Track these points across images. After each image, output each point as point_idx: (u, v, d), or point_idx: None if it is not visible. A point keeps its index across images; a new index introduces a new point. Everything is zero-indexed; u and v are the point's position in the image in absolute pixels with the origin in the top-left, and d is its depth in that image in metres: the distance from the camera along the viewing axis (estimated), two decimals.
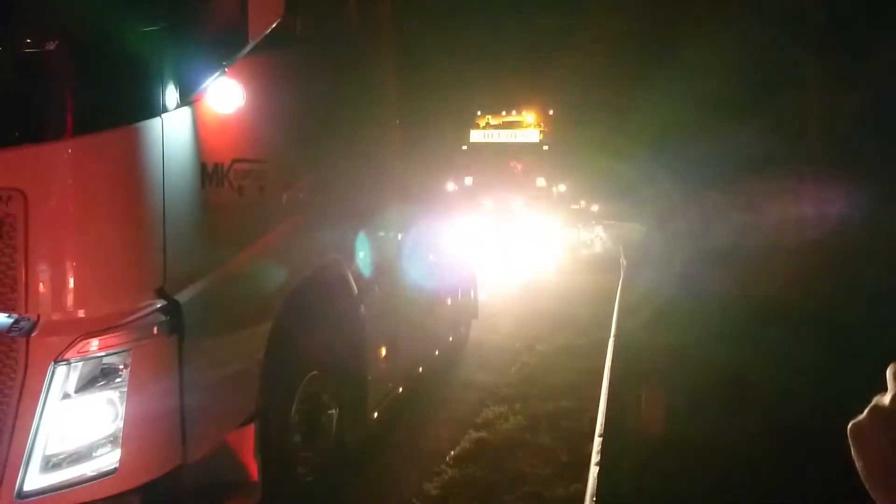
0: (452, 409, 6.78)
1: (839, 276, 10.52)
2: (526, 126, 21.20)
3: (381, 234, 5.73)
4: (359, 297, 4.96)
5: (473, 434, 6.06)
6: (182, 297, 3.29)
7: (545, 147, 20.72)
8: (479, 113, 20.69)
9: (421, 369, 6.88)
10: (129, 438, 3.09)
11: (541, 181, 20.53)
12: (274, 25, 3.59)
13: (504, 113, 21.33)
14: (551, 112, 22.09)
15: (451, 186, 17.27)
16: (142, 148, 3.18)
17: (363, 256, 5.27)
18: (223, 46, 3.47)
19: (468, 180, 19.14)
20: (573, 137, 28.74)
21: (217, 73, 3.43)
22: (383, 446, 5.61)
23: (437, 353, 7.59)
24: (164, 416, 3.25)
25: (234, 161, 3.69)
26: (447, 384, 7.61)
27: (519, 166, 20.65)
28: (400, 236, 6.34)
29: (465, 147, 19.22)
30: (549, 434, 6.10)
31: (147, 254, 3.24)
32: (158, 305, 3.21)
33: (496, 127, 21.09)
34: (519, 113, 21.38)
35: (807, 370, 6.88)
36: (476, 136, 20.22)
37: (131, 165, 3.16)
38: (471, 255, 9.60)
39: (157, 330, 3.17)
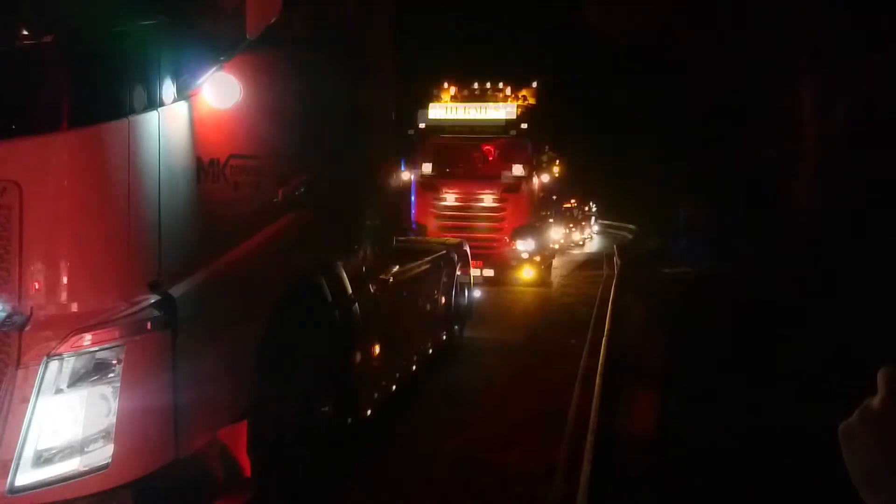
0: (446, 407, 6.78)
1: None
2: (501, 99, 16.77)
3: (377, 232, 5.72)
4: (353, 295, 4.96)
5: (466, 432, 6.07)
6: (176, 291, 3.28)
7: (524, 125, 16.17)
8: (445, 85, 16.99)
9: (415, 367, 6.88)
10: (121, 434, 3.08)
11: (518, 169, 16.04)
12: (272, 21, 3.60)
13: (477, 85, 17.07)
14: (535, 84, 17.63)
15: (406, 175, 16.23)
16: (138, 141, 3.16)
17: (357, 254, 5.26)
18: (221, 41, 3.47)
19: (426, 167, 16.33)
20: (563, 118, 24.37)
21: (215, 68, 3.42)
22: (376, 444, 5.61)
23: (430, 351, 7.59)
24: (157, 412, 3.24)
25: (231, 156, 3.69)
26: (441, 382, 7.60)
27: (492, 150, 16.41)
28: (396, 235, 6.35)
29: (422, 125, 16.35)
30: (542, 432, 6.10)
31: (142, 248, 3.23)
32: (152, 300, 3.20)
33: (464, 100, 16.78)
34: (494, 84, 17.04)
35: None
36: (436, 111, 16.56)
37: (127, 159, 3.15)
38: (465, 254, 9.59)
39: (151, 325, 3.16)
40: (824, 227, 12.75)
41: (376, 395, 5.61)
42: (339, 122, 4.98)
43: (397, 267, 6.34)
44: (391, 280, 5.91)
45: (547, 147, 18.26)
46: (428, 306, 7.67)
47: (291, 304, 4.11)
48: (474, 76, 17.47)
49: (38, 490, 2.94)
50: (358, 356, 5.13)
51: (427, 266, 7.50)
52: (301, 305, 4.24)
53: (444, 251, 8.48)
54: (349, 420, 5.04)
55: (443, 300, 8.20)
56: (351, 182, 5.22)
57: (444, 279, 8.39)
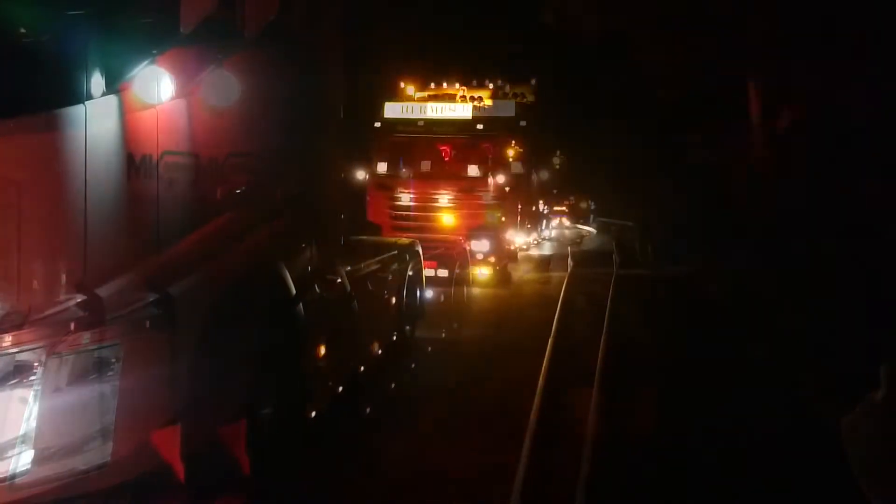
0: (400, 407, 6.69)
1: None
2: (458, 99, 16.55)
3: (323, 231, 5.64)
4: (297, 297, 4.78)
5: (423, 430, 5.98)
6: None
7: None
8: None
9: (363, 368, 6.77)
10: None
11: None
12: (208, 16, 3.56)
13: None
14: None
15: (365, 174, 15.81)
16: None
17: (302, 255, 5.11)
18: (155, 35, 3.40)
19: (381, 166, 15.96)
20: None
21: (147, 61, 3.34)
22: (321, 446, 5.48)
23: (380, 352, 7.49)
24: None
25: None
26: (389, 384, 7.51)
27: (448, 150, 16.17)
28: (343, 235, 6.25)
29: (377, 124, 15.98)
30: (486, 432, 5.84)
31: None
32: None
33: (421, 100, 16.58)
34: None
35: None
36: (392, 109, 16.24)
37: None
38: (417, 254, 9.52)
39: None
40: (776, 228, 13.18)
41: (322, 396, 5.44)
42: (284, 121, 4.86)
43: (348, 267, 6.22)
44: (338, 280, 5.83)
45: (518, 145, 18.29)
46: (379, 306, 7.56)
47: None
48: (447, 73, 17.43)
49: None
50: (302, 357, 4.97)
51: (378, 266, 7.41)
52: (242, 306, 4.18)
53: (396, 251, 8.42)
54: (293, 422, 4.95)
55: (393, 301, 8.09)
56: (297, 181, 5.14)
57: (396, 279, 8.22)
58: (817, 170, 11.63)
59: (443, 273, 14.96)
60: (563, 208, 42.09)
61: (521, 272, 18.96)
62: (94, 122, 3.12)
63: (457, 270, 8.75)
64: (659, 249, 21.54)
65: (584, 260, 20.98)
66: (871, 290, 8.65)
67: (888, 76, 9.88)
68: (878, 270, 8.85)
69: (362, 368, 6.63)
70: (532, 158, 18.99)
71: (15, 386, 2.94)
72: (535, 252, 23.86)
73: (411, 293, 8.97)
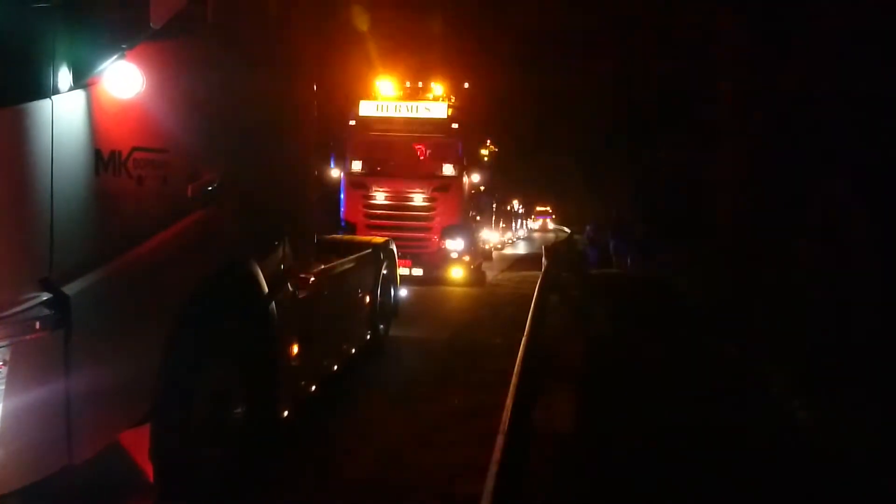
0: (366, 408, 6.68)
1: None
2: (433, 99, 16.71)
3: (297, 230, 5.60)
4: (269, 295, 4.83)
5: (387, 434, 5.99)
6: (71, 289, 3.12)
7: (455, 125, 16.12)
8: (376, 83, 16.89)
9: (336, 367, 6.77)
10: (7, 439, 2.91)
11: (448, 168, 16.08)
12: (179, 10, 3.47)
13: (408, 84, 17.08)
14: (466, 85, 18.15)
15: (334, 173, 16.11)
16: (28, 130, 2.99)
17: (276, 252, 5.14)
18: (124, 29, 3.31)
19: (357, 165, 16.23)
20: (497, 120, 24.90)
21: (116, 57, 3.26)
22: (295, 446, 5.48)
23: (353, 351, 7.47)
24: (48, 416, 3.07)
25: (134, 149, 3.53)
26: (363, 383, 7.49)
27: (423, 148, 16.33)
28: (316, 233, 6.26)
29: (352, 122, 16.19)
30: (451, 435, 5.99)
31: (31, 242, 3.05)
32: (43, 298, 3.03)
33: (396, 98, 16.60)
34: (425, 84, 17.11)
35: None
36: (367, 107, 16.38)
37: (16, 147, 2.97)
38: (391, 253, 9.50)
39: (40, 324, 2.99)
40: (743, 233, 13.21)
41: (296, 396, 5.49)
42: (255, 116, 4.83)
43: (321, 265, 6.25)
44: (312, 279, 5.80)
45: (485, 147, 18.23)
46: (351, 306, 7.55)
47: (201, 303, 3.97)
48: (410, 73, 17.53)
49: None
50: (276, 356, 5.01)
51: (353, 264, 7.40)
52: (212, 305, 4.10)
53: (370, 250, 8.39)
54: (266, 421, 4.91)
55: (367, 299, 8.09)
56: (269, 178, 5.08)
57: (371, 278, 8.29)
58: (786, 172, 11.67)
59: (417, 272, 15.24)
60: (548, 209, 41.68)
61: (496, 271, 19.03)
62: (61, 117, 3.08)
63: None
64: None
65: (558, 259, 21.09)
66: (826, 289, 8.66)
67: (857, 78, 9.89)
68: (841, 270, 8.86)
69: (336, 367, 6.73)
70: (503, 159, 19.09)
71: None
72: (510, 251, 23.95)
73: (386, 292, 9.07)
